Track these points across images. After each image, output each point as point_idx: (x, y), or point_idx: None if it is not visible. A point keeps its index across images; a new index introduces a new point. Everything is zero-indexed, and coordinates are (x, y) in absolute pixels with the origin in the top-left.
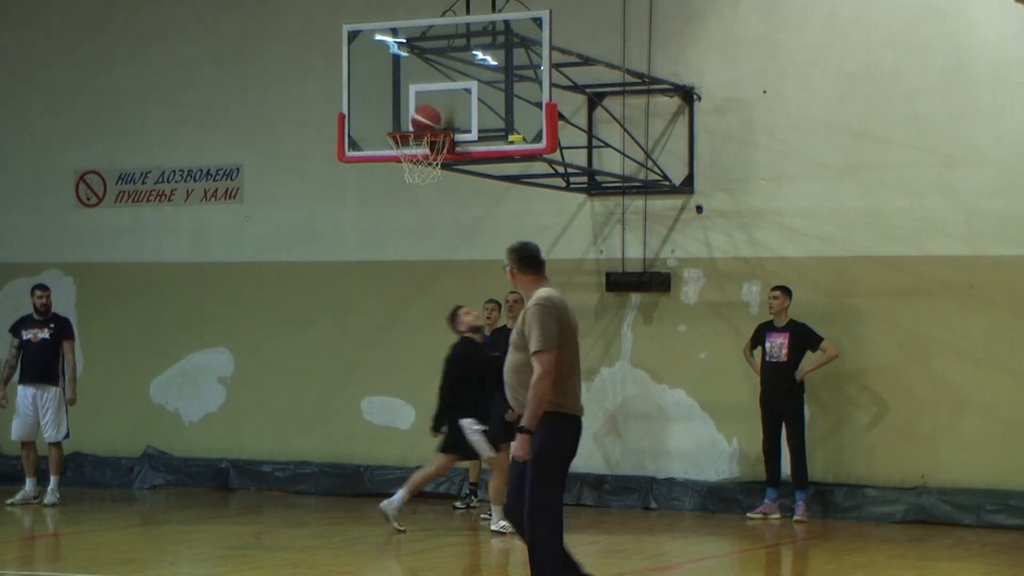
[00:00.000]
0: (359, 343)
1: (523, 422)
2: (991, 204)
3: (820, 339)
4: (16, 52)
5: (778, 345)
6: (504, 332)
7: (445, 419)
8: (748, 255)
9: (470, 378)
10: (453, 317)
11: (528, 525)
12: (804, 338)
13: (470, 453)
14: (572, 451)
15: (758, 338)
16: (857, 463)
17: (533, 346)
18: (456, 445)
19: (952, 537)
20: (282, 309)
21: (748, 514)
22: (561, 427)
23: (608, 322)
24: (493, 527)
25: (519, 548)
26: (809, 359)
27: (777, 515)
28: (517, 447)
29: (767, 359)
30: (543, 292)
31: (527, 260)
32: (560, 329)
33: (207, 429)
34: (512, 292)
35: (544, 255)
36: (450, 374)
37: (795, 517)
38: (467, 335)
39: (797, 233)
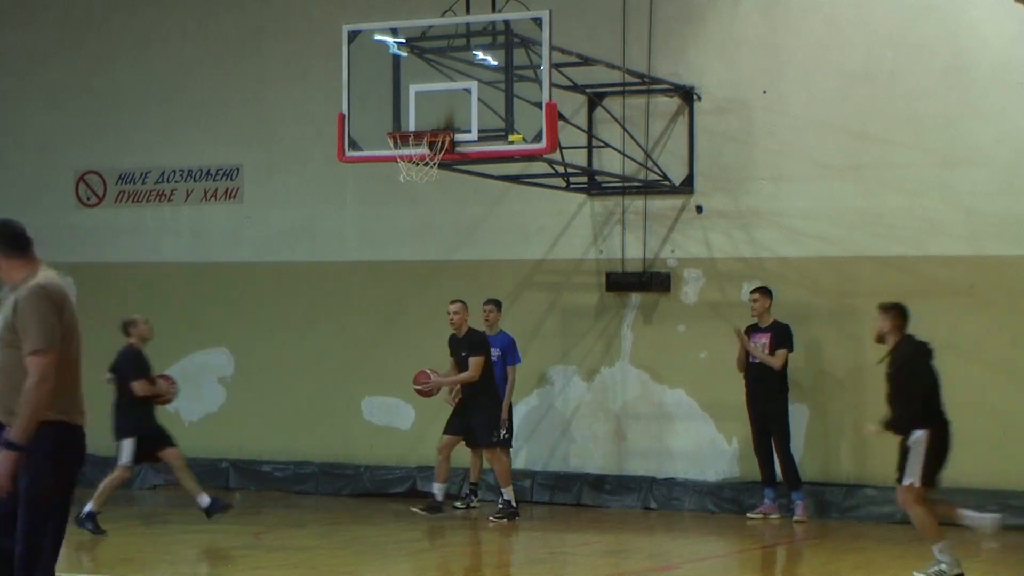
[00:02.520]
0: (359, 343)
1: (13, 436)
2: (991, 204)
3: (788, 347)
4: (16, 52)
5: (761, 346)
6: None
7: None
8: (748, 255)
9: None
10: None
11: (20, 569)
12: (783, 339)
13: None
14: (78, 468)
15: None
16: (856, 463)
17: (31, 344)
18: None
19: (952, 537)
20: (282, 309)
21: (748, 515)
22: (68, 442)
23: (608, 322)
24: None
25: (519, 548)
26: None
27: (777, 515)
28: (3, 466)
29: (751, 360)
30: (42, 277)
31: (13, 240)
32: (61, 324)
33: (207, 429)
34: (487, 302)
35: (544, 255)
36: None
37: (795, 517)
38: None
39: (797, 233)
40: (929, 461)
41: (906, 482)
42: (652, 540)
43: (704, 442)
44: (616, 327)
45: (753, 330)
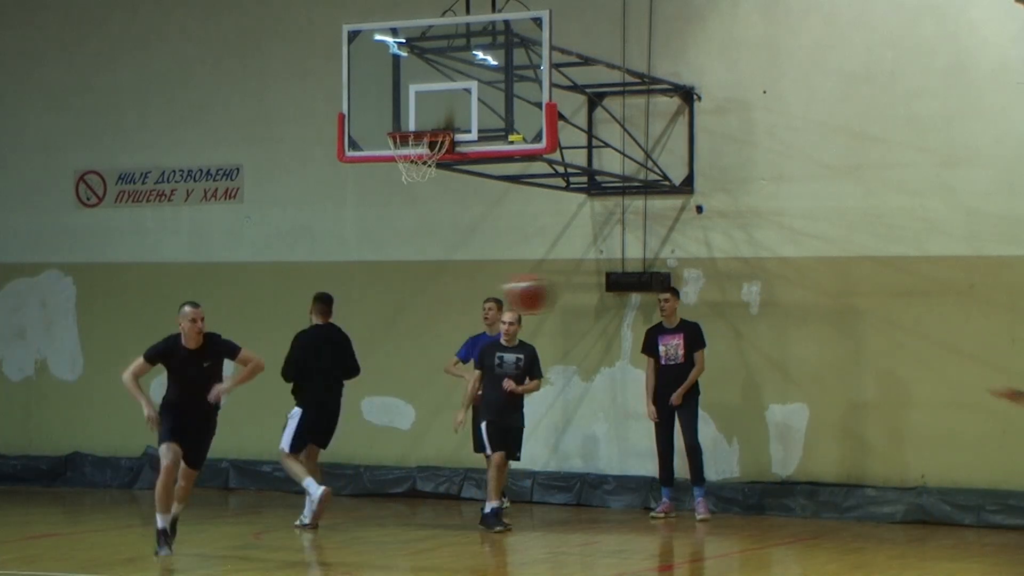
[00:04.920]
0: (359, 343)
1: None
2: (991, 204)
3: (702, 345)
4: (16, 52)
5: (674, 346)
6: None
7: None
8: (748, 255)
9: None
10: None
11: None
12: (695, 338)
13: None
14: None
15: (650, 343)
16: (857, 463)
17: None
18: None
19: (952, 537)
20: (282, 309)
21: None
22: None
23: (608, 322)
24: None
25: (519, 548)
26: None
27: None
28: None
29: (664, 362)
30: None
31: None
32: None
33: None
34: (488, 300)
35: (544, 255)
36: None
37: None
38: None
39: (797, 233)
40: (300, 433)
41: (280, 447)
42: (652, 540)
43: (704, 442)
44: (616, 327)
45: (659, 331)
